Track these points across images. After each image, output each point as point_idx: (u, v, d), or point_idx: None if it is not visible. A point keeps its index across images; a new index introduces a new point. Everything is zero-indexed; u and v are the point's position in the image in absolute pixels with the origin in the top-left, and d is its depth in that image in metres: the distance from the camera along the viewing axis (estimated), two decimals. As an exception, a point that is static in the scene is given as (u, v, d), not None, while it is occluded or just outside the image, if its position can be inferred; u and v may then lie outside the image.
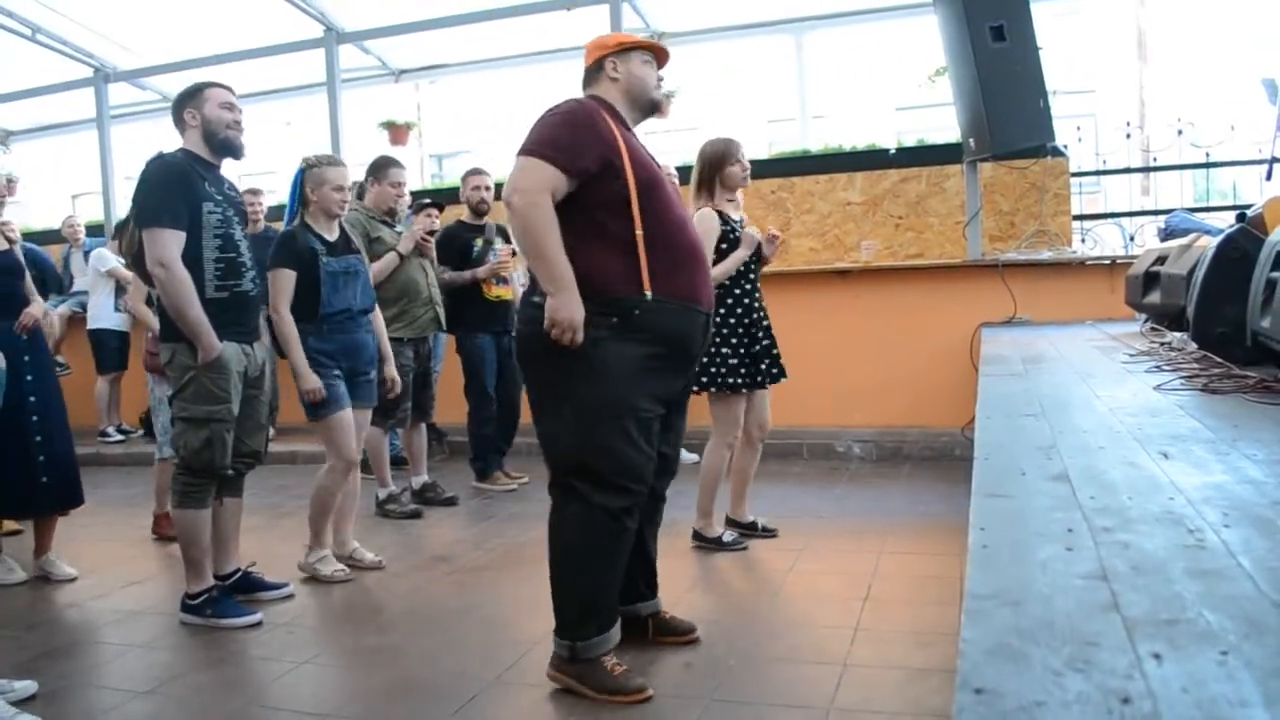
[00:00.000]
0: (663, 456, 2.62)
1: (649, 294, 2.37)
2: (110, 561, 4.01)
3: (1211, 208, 6.73)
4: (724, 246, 3.60)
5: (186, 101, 3.16)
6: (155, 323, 3.60)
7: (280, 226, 3.86)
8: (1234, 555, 1.13)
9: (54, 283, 7.10)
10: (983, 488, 1.53)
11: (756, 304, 3.71)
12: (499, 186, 2.89)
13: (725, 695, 2.45)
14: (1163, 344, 3.36)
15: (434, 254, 4.74)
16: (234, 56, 6.99)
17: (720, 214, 3.63)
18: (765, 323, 3.77)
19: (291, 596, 3.43)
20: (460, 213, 5.10)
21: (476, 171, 5.08)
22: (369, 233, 4.43)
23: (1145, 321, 4.04)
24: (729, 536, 3.79)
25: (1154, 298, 3.63)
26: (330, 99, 6.94)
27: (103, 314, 6.36)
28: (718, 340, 3.58)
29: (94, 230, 7.65)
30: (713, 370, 3.60)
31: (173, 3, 6.83)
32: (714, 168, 3.68)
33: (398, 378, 4.01)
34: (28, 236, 7.25)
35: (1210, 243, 2.95)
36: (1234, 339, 2.68)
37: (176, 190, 3.03)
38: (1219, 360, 2.68)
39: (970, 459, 1.83)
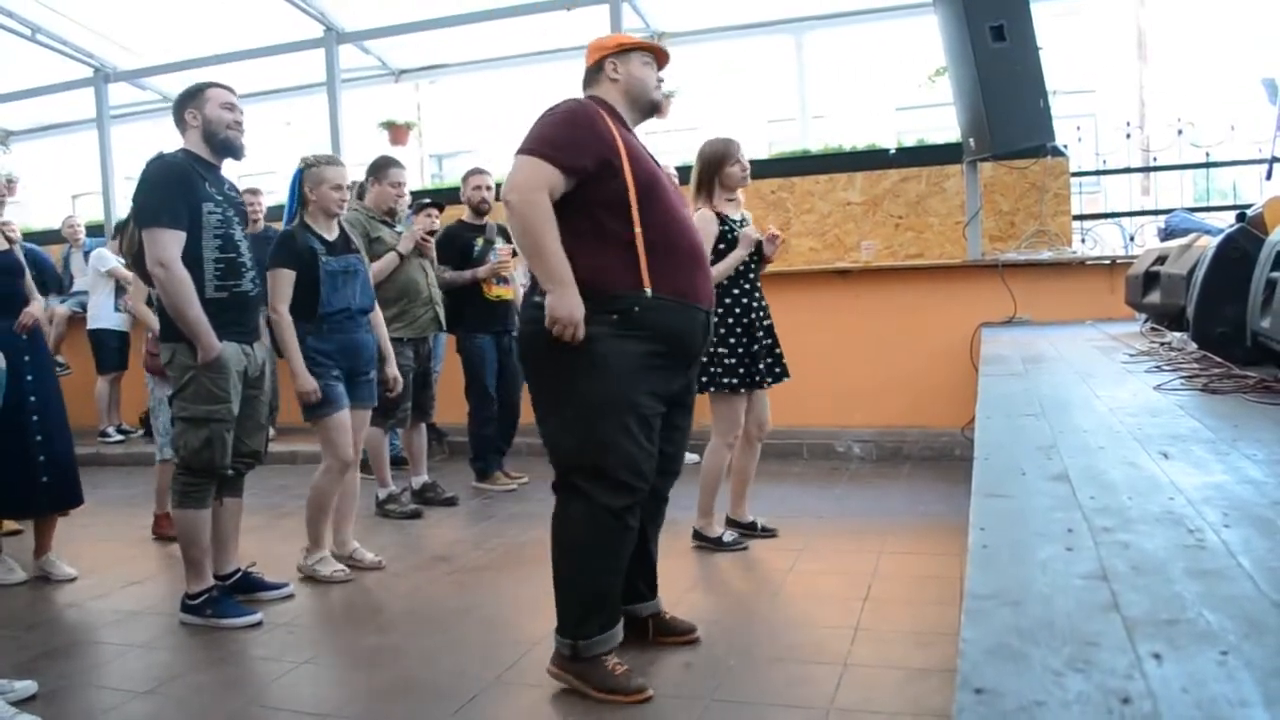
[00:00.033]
0: (667, 457, 2.63)
1: (649, 291, 2.38)
2: (110, 561, 4.01)
3: (1211, 208, 6.72)
4: (722, 247, 3.60)
5: (187, 101, 3.17)
6: (155, 323, 3.60)
7: (280, 226, 3.86)
8: (1234, 555, 1.13)
9: (54, 282, 7.10)
10: (983, 488, 1.53)
11: (755, 304, 3.71)
12: (500, 186, 2.89)
13: (725, 695, 2.45)
14: (1163, 344, 3.36)
15: (434, 254, 4.74)
16: (234, 56, 6.99)
17: (719, 215, 3.63)
18: (766, 322, 3.77)
19: (291, 596, 3.43)
20: (461, 212, 5.10)
21: (477, 171, 5.08)
22: (369, 233, 4.43)
23: (1145, 321, 4.04)
24: (729, 536, 3.79)
25: (1154, 298, 3.63)
26: (330, 99, 6.94)
27: (103, 314, 6.36)
28: (715, 340, 3.58)
29: (94, 230, 7.65)
30: (712, 370, 3.60)
31: (173, 3, 6.83)
32: (713, 168, 3.68)
33: (399, 376, 4.01)
34: (28, 236, 7.25)
35: (1210, 243, 2.95)
36: (1234, 339, 2.68)
37: (176, 190, 3.03)
38: (1219, 360, 2.67)
39: (970, 459, 1.83)
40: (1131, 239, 6.51)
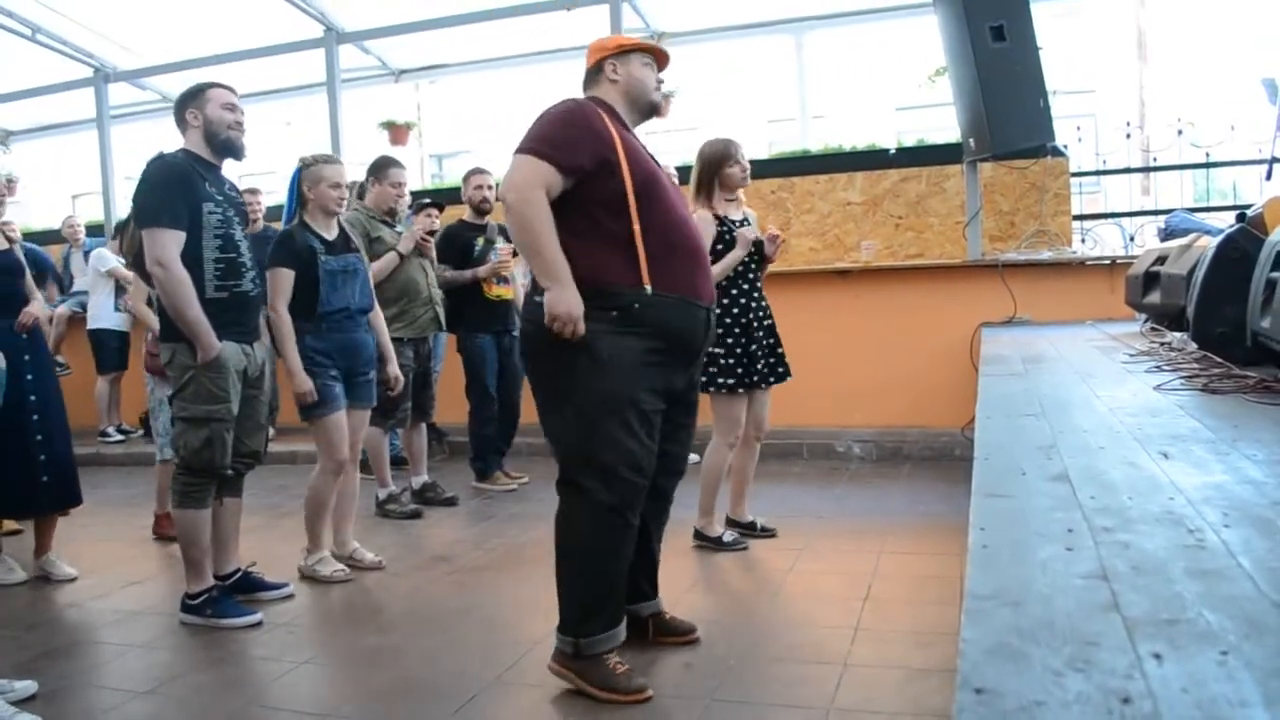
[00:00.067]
0: (672, 456, 2.63)
1: (649, 289, 2.39)
2: (110, 561, 4.01)
3: (1211, 208, 6.72)
4: (719, 248, 3.60)
5: (189, 101, 3.17)
6: (156, 323, 3.60)
7: (279, 226, 3.86)
8: (1234, 555, 1.13)
9: (54, 282, 7.10)
10: (983, 488, 1.53)
11: (754, 304, 3.71)
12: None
13: (725, 695, 2.45)
14: (1163, 344, 3.36)
15: (434, 254, 4.74)
16: (234, 56, 6.99)
17: (716, 216, 3.63)
18: (767, 323, 3.77)
19: (291, 596, 3.43)
20: (462, 212, 5.10)
21: (479, 171, 5.09)
22: (369, 232, 4.44)
23: (1145, 321, 4.04)
24: (729, 536, 3.79)
25: (1154, 298, 3.63)
26: (330, 99, 6.94)
27: (103, 314, 6.36)
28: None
29: (94, 230, 7.64)
30: (710, 370, 3.60)
31: (173, 3, 6.83)
32: (713, 168, 3.67)
33: (400, 376, 4.01)
34: (28, 236, 7.25)
35: (1210, 243, 2.95)
36: (1234, 339, 2.68)
37: (176, 190, 3.03)
38: (1219, 360, 2.67)
39: (970, 459, 1.83)
40: (1131, 239, 6.51)
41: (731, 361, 3.64)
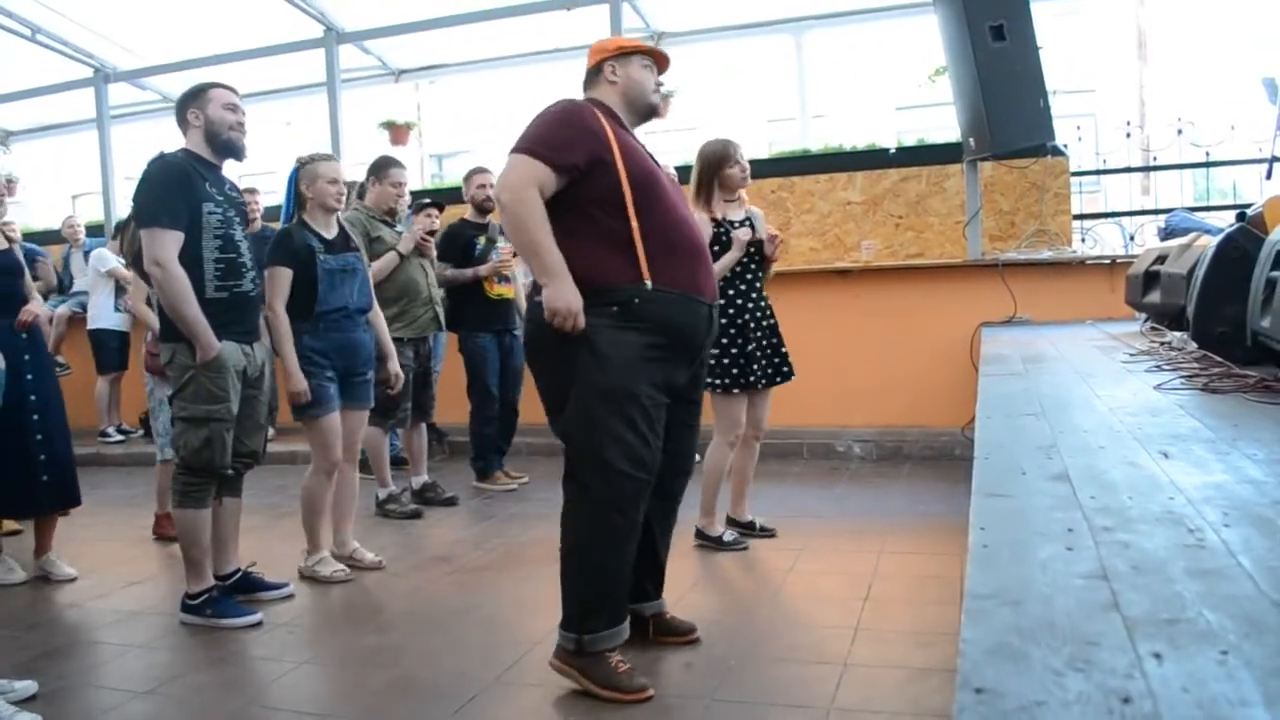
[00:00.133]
0: (679, 456, 2.63)
1: (649, 283, 2.39)
2: (110, 561, 4.01)
3: (1211, 207, 6.73)
4: (716, 249, 3.59)
5: (190, 101, 3.17)
6: (156, 323, 3.60)
7: (278, 226, 3.86)
8: (1234, 555, 1.13)
9: (41, 278, 7.09)
10: (983, 487, 1.53)
11: (752, 305, 3.70)
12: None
13: (726, 695, 2.45)
14: (1163, 343, 3.36)
15: (434, 254, 4.75)
16: (234, 56, 6.99)
17: (713, 218, 3.63)
18: (767, 323, 3.77)
19: (291, 596, 3.43)
20: (462, 211, 5.11)
21: (480, 170, 5.09)
22: (369, 232, 4.44)
23: (1145, 321, 4.04)
24: (729, 536, 3.79)
25: (1154, 297, 3.63)
26: (330, 99, 6.94)
27: (103, 314, 6.36)
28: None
29: (94, 230, 7.64)
30: (708, 368, 3.60)
31: (173, 3, 6.83)
32: (712, 169, 3.67)
33: (400, 374, 4.01)
34: (28, 236, 7.25)
35: (1210, 242, 2.95)
36: (1234, 338, 2.68)
37: (176, 190, 3.03)
38: (1219, 360, 2.67)
39: (970, 459, 1.83)
40: (1131, 239, 6.51)
41: (727, 362, 3.64)
